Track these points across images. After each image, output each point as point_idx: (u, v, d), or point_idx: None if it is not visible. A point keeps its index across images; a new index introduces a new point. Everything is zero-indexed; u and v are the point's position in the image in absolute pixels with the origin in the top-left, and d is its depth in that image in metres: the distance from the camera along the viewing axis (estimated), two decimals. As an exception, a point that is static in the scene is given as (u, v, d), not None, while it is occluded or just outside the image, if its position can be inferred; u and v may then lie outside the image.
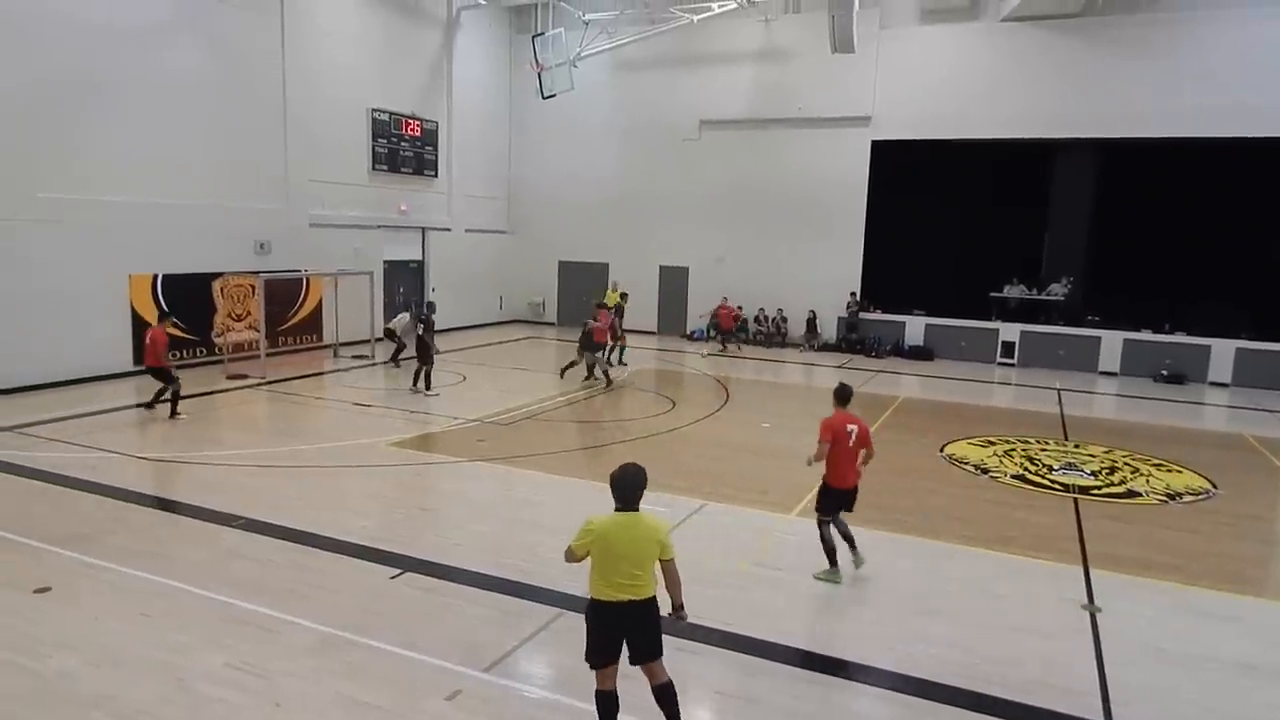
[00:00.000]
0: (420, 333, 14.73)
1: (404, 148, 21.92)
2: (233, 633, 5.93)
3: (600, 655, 4.58)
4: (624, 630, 4.56)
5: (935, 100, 20.97)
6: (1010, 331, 21.16)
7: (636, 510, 4.57)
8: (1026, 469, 11.21)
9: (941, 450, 12.09)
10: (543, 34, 22.06)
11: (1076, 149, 20.75)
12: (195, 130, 16.25)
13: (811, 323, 22.71)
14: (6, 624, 6.00)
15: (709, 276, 24.08)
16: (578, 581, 6.86)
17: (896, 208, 21.79)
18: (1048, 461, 11.65)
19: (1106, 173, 20.74)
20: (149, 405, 12.70)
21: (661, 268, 24.95)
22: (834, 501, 7.17)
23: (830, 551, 7.14)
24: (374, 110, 20.82)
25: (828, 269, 22.72)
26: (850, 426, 7.03)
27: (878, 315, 22.52)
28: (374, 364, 17.52)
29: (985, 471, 11.04)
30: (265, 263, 17.72)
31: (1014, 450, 12.25)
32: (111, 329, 15.12)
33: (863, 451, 7.15)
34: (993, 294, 21.59)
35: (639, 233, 24.94)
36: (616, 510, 4.59)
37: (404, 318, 17.11)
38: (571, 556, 4.62)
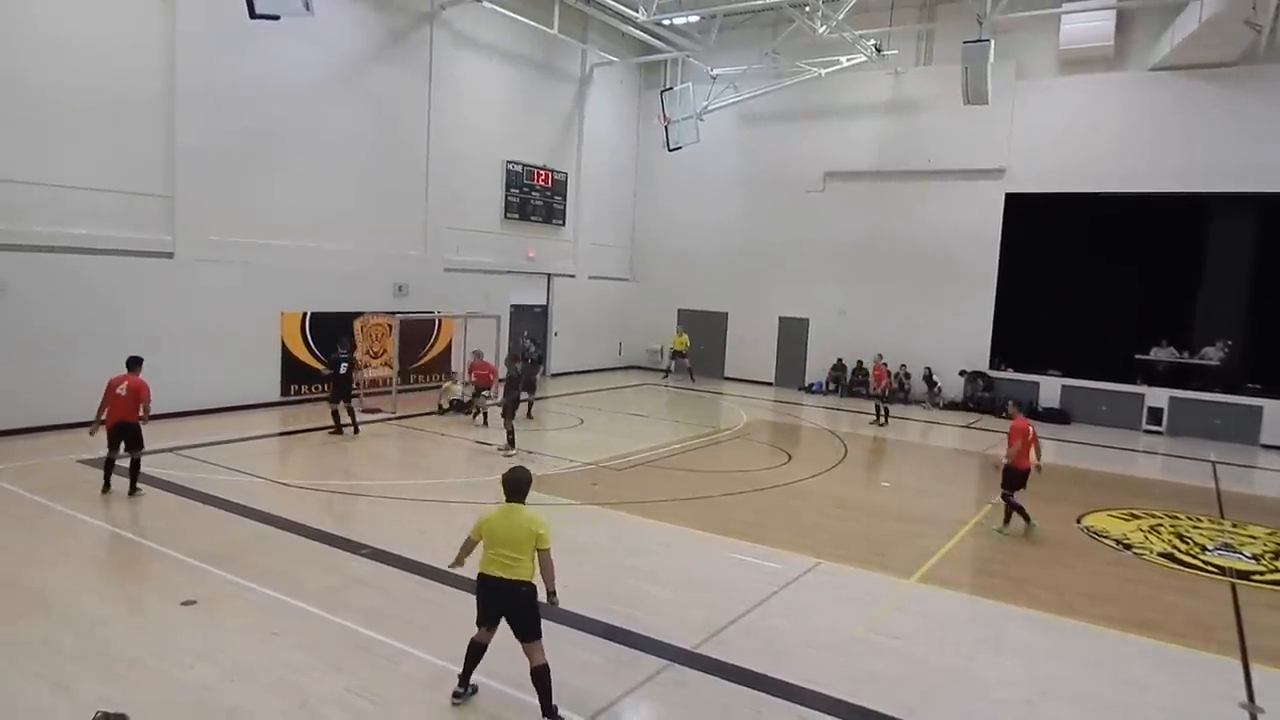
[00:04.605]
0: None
1: (534, 197, 22.86)
2: (355, 658, 6.19)
3: (481, 617, 5.51)
4: (499, 604, 5.38)
5: (1075, 152, 20.08)
6: (1158, 397, 19.67)
7: (520, 503, 5.51)
8: (1176, 547, 10.30)
9: (1079, 521, 11.29)
10: (671, 88, 22.67)
11: (1233, 203, 19.28)
12: (348, 181, 17.59)
13: (931, 379, 21.86)
14: (158, 634, 6.49)
15: (830, 330, 23.70)
16: (688, 634, 6.82)
17: (1032, 262, 20.85)
18: (1200, 540, 10.67)
19: (1267, 229, 19.16)
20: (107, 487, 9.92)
21: (781, 319, 24.76)
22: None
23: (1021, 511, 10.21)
24: (508, 162, 21.88)
25: (957, 325, 21.89)
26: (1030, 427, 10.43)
27: (1010, 374, 21.46)
28: (498, 403, 18.07)
29: (1128, 547, 10.21)
30: (402, 304, 18.78)
31: (1161, 526, 11.29)
32: (263, 362, 16.36)
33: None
34: (1138, 356, 20.18)
35: (759, 283, 24.89)
36: (505, 502, 5.53)
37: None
38: (466, 543, 5.65)
